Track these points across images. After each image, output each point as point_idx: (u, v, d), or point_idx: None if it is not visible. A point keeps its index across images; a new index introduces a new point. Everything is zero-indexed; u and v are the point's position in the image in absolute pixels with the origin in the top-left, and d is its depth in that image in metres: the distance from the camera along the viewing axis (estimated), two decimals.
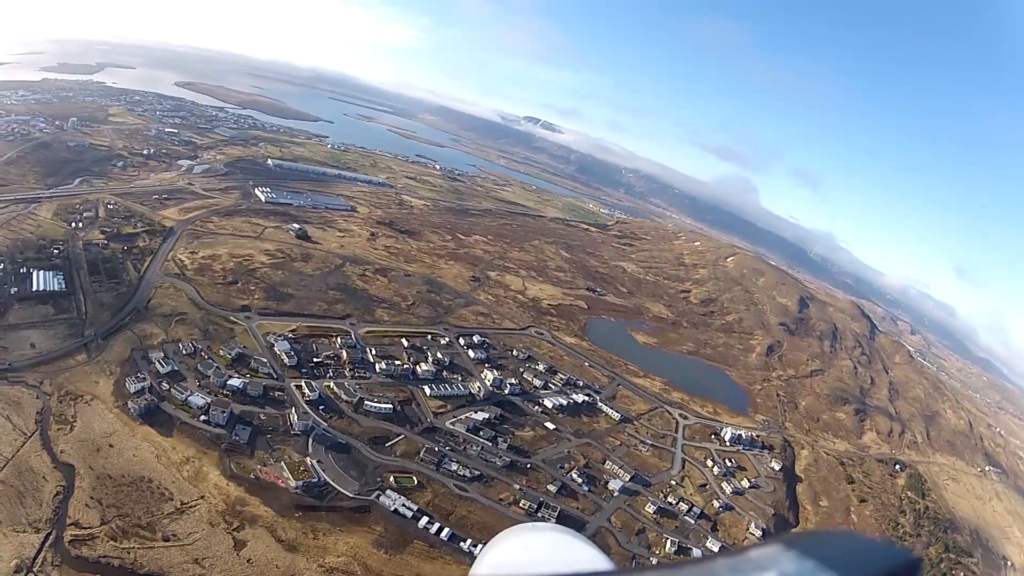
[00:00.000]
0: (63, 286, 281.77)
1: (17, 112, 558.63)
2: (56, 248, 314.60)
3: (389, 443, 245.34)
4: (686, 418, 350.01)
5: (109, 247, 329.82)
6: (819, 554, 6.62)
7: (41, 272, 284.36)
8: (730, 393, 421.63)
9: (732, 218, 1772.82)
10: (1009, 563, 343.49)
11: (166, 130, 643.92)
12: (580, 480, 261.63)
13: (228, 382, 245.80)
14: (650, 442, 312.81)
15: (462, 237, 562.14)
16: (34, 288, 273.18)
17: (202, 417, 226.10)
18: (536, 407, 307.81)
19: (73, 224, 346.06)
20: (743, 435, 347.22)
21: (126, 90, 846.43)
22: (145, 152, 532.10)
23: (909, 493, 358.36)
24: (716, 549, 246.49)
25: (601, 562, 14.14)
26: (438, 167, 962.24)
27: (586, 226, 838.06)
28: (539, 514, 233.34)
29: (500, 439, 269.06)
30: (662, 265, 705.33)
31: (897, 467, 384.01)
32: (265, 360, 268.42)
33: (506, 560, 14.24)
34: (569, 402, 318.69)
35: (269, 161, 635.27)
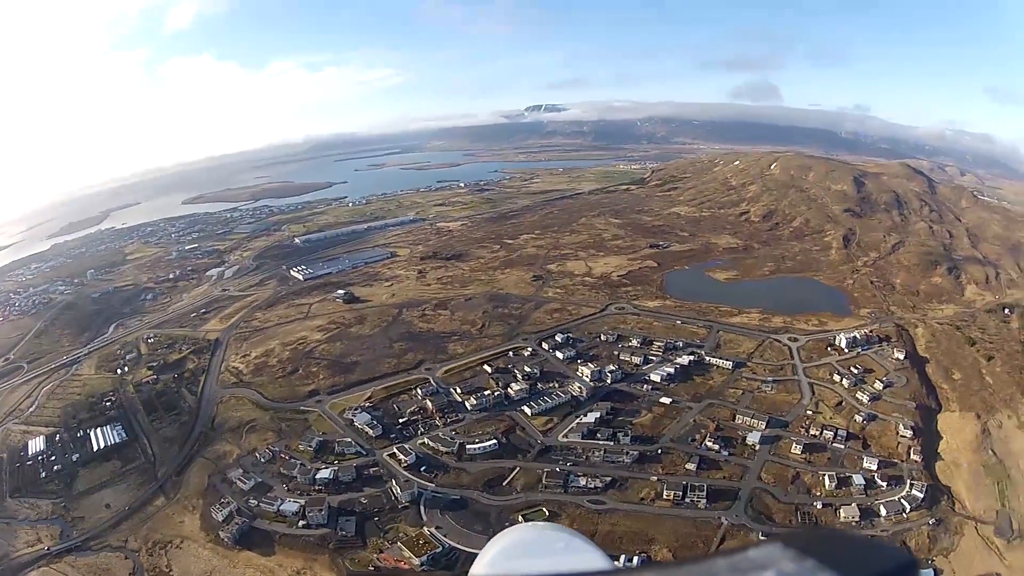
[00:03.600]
0: (124, 436, 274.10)
1: (34, 284, 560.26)
2: (108, 400, 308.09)
3: (506, 481, 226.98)
4: (796, 340, 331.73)
5: (160, 381, 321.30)
6: (818, 553, 6.80)
7: (99, 429, 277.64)
8: (827, 298, 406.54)
9: (756, 127, 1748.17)
10: None
11: (186, 248, 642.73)
12: (717, 447, 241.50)
13: (317, 475, 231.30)
14: (771, 379, 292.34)
15: (510, 242, 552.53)
16: (95, 448, 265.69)
17: (300, 522, 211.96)
18: (645, 386, 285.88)
19: (118, 371, 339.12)
20: (857, 336, 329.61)
21: (136, 226, 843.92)
22: (171, 276, 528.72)
23: None
24: (875, 468, 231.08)
25: (601, 561, 13.95)
26: (462, 185, 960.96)
27: (624, 187, 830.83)
28: (686, 500, 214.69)
29: (620, 434, 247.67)
30: (712, 196, 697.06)
31: (1006, 311, 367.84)
32: (349, 439, 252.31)
33: (506, 560, 13.96)
34: (676, 368, 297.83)
35: (296, 240, 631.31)
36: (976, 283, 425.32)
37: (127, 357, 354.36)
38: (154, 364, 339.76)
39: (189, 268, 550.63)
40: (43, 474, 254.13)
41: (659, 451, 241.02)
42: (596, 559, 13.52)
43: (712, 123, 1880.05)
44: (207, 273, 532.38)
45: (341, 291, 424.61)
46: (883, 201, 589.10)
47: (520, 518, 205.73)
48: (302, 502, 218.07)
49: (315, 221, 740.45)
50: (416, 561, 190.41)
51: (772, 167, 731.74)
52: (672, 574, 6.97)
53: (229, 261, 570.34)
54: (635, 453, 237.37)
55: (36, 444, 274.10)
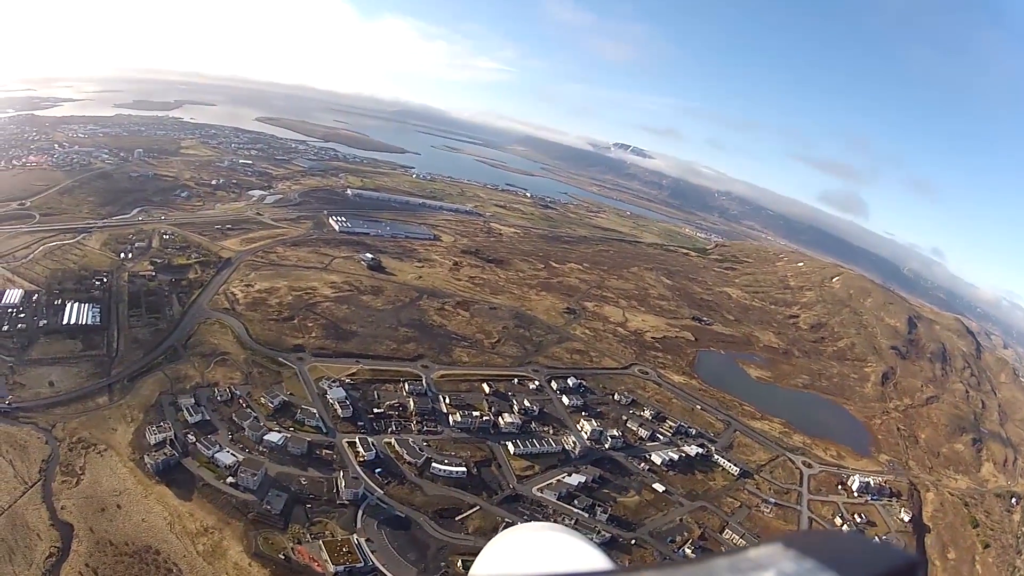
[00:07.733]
0: (98, 320, 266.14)
1: (82, 144, 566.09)
2: (98, 279, 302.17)
3: (460, 517, 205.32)
4: (810, 466, 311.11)
5: (156, 279, 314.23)
6: (818, 553, 6.80)
7: (76, 304, 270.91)
8: (851, 431, 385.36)
9: (826, 237, 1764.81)
10: None
11: (240, 161, 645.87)
12: (694, 557, 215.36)
13: (265, 437, 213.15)
14: (773, 500, 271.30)
15: (555, 265, 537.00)
16: (65, 321, 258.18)
17: (229, 479, 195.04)
18: (642, 464, 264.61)
19: (122, 255, 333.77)
20: (871, 483, 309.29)
21: (203, 124, 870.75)
22: (213, 182, 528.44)
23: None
24: None
25: (601, 562, 13.95)
26: (528, 195, 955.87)
27: (685, 251, 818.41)
28: None
29: (599, 508, 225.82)
30: (767, 289, 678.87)
31: (1013, 500, 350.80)
32: (314, 411, 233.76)
33: (506, 560, 14.18)
34: (681, 456, 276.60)
35: (348, 191, 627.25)
36: (994, 462, 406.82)
37: (136, 244, 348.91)
38: (158, 261, 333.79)
39: (234, 181, 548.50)
40: (5, 327, 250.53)
41: (633, 541, 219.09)
42: (596, 559, 13.62)
43: (785, 218, 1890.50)
44: (249, 192, 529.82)
45: (369, 255, 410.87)
46: (930, 350, 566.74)
47: (460, 562, 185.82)
48: (240, 458, 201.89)
49: (374, 179, 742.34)
50: (331, 568, 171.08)
51: (834, 280, 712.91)
52: (672, 574, 6.87)
53: (275, 188, 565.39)
54: (607, 535, 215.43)
55: (12, 295, 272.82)
